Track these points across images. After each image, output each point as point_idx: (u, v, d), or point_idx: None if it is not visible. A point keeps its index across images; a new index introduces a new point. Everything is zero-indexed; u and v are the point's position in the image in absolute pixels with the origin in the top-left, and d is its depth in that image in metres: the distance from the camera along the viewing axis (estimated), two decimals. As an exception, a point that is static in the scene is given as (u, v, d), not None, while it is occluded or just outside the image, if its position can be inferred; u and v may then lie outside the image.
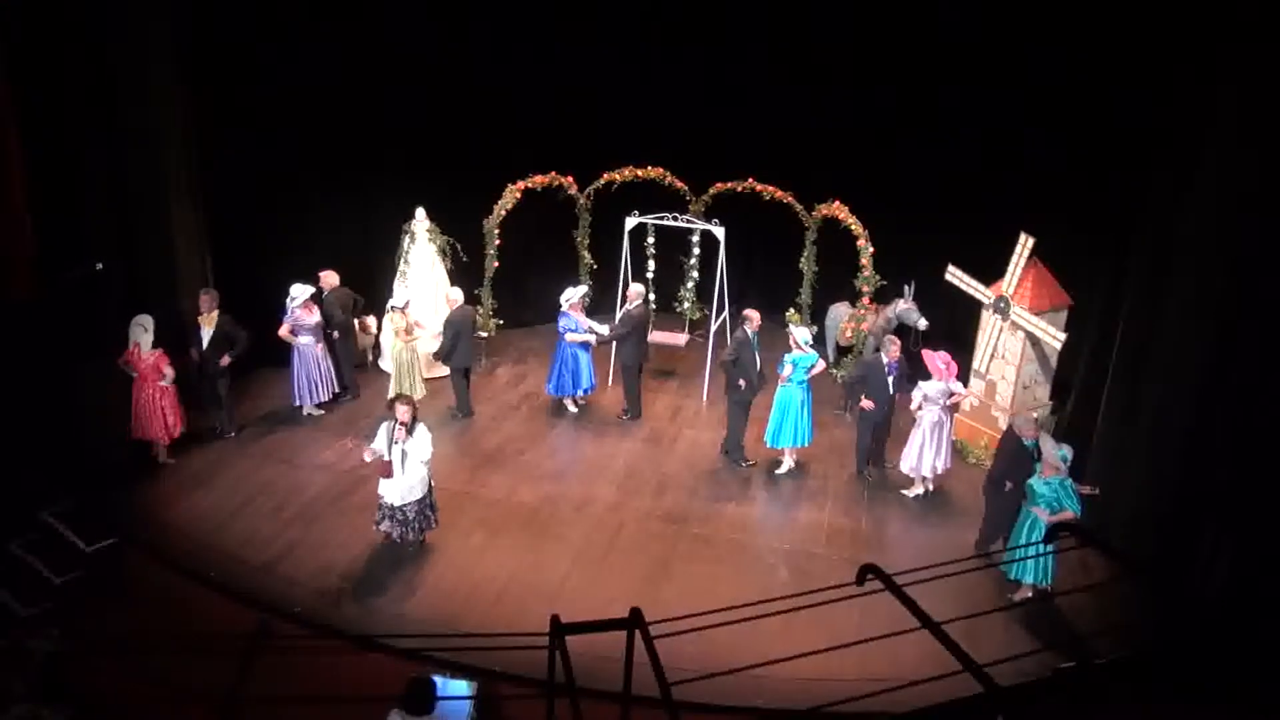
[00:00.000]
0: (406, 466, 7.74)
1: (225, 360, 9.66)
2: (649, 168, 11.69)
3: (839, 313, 11.52)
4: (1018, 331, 9.57)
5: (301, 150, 10.81)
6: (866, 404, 9.39)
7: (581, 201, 11.92)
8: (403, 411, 7.66)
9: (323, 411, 10.61)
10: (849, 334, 11.24)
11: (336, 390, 10.71)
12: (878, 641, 3.50)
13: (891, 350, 9.34)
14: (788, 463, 9.80)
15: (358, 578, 7.93)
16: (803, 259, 11.52)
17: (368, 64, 10.82)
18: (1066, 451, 7.61)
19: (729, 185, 11.65)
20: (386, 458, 7.68)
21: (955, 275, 10.14)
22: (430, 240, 11.15)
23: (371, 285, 11.39)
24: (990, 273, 9.86)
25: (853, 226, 10.68)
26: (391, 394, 9.67)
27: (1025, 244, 9.37)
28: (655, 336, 11.66)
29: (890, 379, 9.34)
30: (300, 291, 10.06)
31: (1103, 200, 9.35)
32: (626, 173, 11.64)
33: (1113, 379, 8.71)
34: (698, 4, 11.53)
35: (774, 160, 11.49)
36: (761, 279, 12.76)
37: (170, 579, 7.89)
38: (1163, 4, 8.03)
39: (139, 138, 9.61)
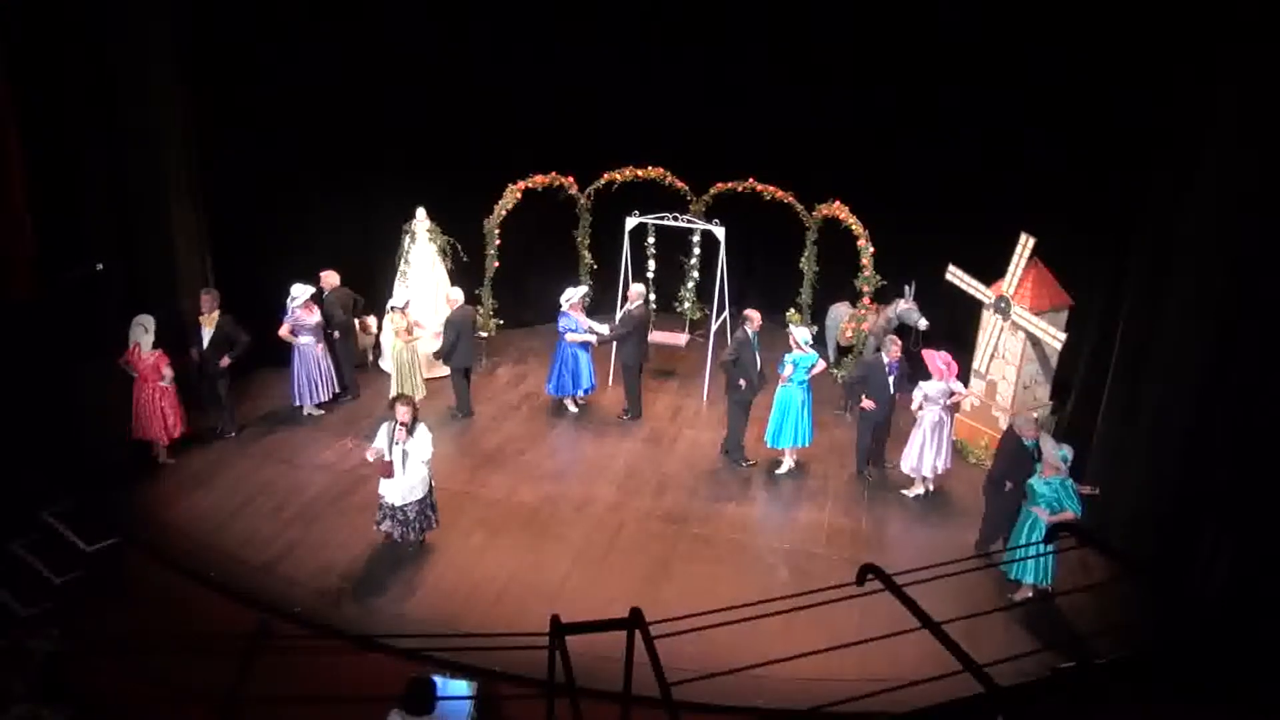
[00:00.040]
0: (407, 466, 7.74)
1: (225, 361, 9.66)
2: (649, 168, 11.69)
3: (839, 313, 11.52)
4: (1018, 331, 9.57)
5: (301, 150, 10.81)
6: (867, 404, 9.39)
7: (582, 201, 11.92)
8: (403, 412, 7.66)
9: (323, 411, 10.61)
10: (849, 334, 11.24)
11: (336, 390, 10.71)
12: (878, 641, 3.50)
13: (892, 350, 9.34)
14: (788, 463, 9.80)
15: (358, 578, 7.93)
16: (803, 259, 11.52)
17: (368, 64, 10.82)
18: (1067, 451, 7.61)
19: (729, 185, 11.65)
20: (387, 458, 7.68)
21: (955, 275, 10.14)
22: (430, 240, 11.15)
23: (371, 285, 11.39)
24: (990, 273, 9.86)
25: (853, 226, 10.68)
26: (392, 394, 9.67)
27: (1026, 244, 9.37)
28: (655, 336, 11.66)
29: (891, 379, 9.35)
30: (301, 291, 10.06)
31: (1103, 200, 9.34)
32: (627, 173, 11.64)
33: (1113, 379, 8.71)
34: (698, 4, 11.53)
35: (774, 160, 11.49)
36: (762, 279, 12.77)
37: (170, 579, 7.89)
38: (1163, 4, 8.03)
39: (139, 138, 9.61)
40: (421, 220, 11.12)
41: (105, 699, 6.25)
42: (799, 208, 11.29)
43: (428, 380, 10.94)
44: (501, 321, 12.05)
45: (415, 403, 8.14)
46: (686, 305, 12.64)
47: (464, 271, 11.42)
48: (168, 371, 9.16)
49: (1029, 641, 7.16)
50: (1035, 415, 8.71)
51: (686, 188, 12.02)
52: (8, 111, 8.46)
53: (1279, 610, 6.65)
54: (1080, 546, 7.50)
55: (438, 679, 5.79)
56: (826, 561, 8.36)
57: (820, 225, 11.26)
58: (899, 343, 9.48)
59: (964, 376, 9.69)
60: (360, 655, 6.53)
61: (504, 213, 11.39)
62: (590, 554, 8.37)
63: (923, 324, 10.58)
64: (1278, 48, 6.81)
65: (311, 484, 9.29)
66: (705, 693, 3.75)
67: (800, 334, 9.53)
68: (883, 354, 9.43)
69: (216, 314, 9.63)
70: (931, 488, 9.45)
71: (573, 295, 10.53)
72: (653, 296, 12.07)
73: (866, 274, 10.70)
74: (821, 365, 9.65)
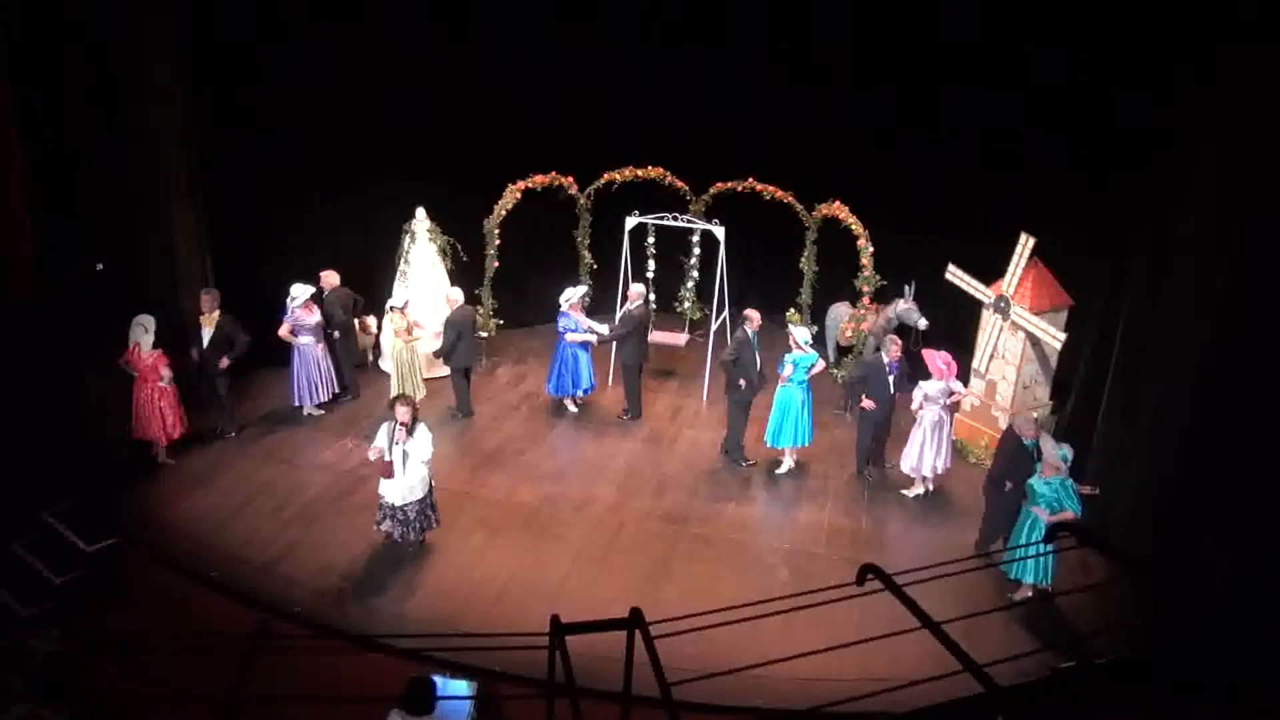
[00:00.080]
0: (407, 467, 7.74)
1: (224, 362, 9.66)
2: (649, 168, 11.69)
3: (839, 312, 11.53)
4: (1018, 331, 9.57)
5: (301, 150, 10.81)
6: (867, 404, 9.39)
7: (582, 201, 11.92)
8: (403, 412, 7.67)
9: (323, 412, 10.61)
10: (849, 334, 11.25)
11: (336, 390, 10.71)
12: (878, 641, 3.50)
13: (892, 350, 9.35)
14: (788, 463, 9.80)
15: (358, 578, 7.93)
16: (803, 259, 11.52)
17: (368, 64, 10.82)
18: (1067, 451, 7.61)
19: (729, 185, 11.65)
20: (387, 458, 7.69)
21: (955, 275, 10.14)
22: (430, 240, 11.15)
23: (371, 285, 11.39)
24: (990, 272, 9.86)
25: (853, 226, 10.69)
26: (392, 394, 9.67)
27: (1026, 244, 9.37)
28: (655, 336, 11.67)
29: (891, 379, 9.35)
30: (301, 291, 10.06)
31: (1103, 200, 9.34)
32: (626, 173, 11.64)
33: (1113, 379, 8.71)
34: (698, 4, 11.53)
35: (774, 160, 11.49)
36: (762, 279, 12.77)
37: (170, 579, 7.89)
38: (1163, 4, 8.03)
39: (139, 138, 9.61)
40: (421, 220, 11.12)
41: (105, 699, 6.25)
42: (799, 208, 11.29)
43: (427, 380, 10.94)
44: (501, 321, 12.06)
45: (415, 403, 8.14)
46: (686, 305, 12.64)
47: (464, 271, 11.42)
48: (166, 372, 9.15)
49: (1029, 641, 7.16)
50: (1035, 415, 8.71)
51: (686, 188, 12.03)
52: (8, 111, 8.46)
53: (1279, 610, 6.65)
54: (1080, 546, 7.50)
55: (438, 679, 5.79)
56: (826, 561, 8.36)
57: (820, 225, 11.26)
58: (899, 342, 9.48)
59: (964, 376, 9.69)
60: (360, 655, 6.53)
61: (504, 213, 11.39)
62: (590, 554, 8.37)
63: (922, 324, 10.58)
64: (1278, 48, 6.81)
65: (311, 484, 9.29)
66: (705, 693, 3.75)
67: (800, 334, 9.53)
68: (883, 354, 9.43)
69: (217, 314, 9.63)
70: (931, 487, 9.45)
71: (572, 295, 10.53)
72: (652, 296, 12.07)
73: (866, 274, 10.70)
74: (821, 365, 9.65)
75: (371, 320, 11.60)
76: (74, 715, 5.58)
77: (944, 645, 2.91)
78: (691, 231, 11.92)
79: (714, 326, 11.35)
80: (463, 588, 7.84)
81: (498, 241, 11.50)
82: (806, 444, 9.69)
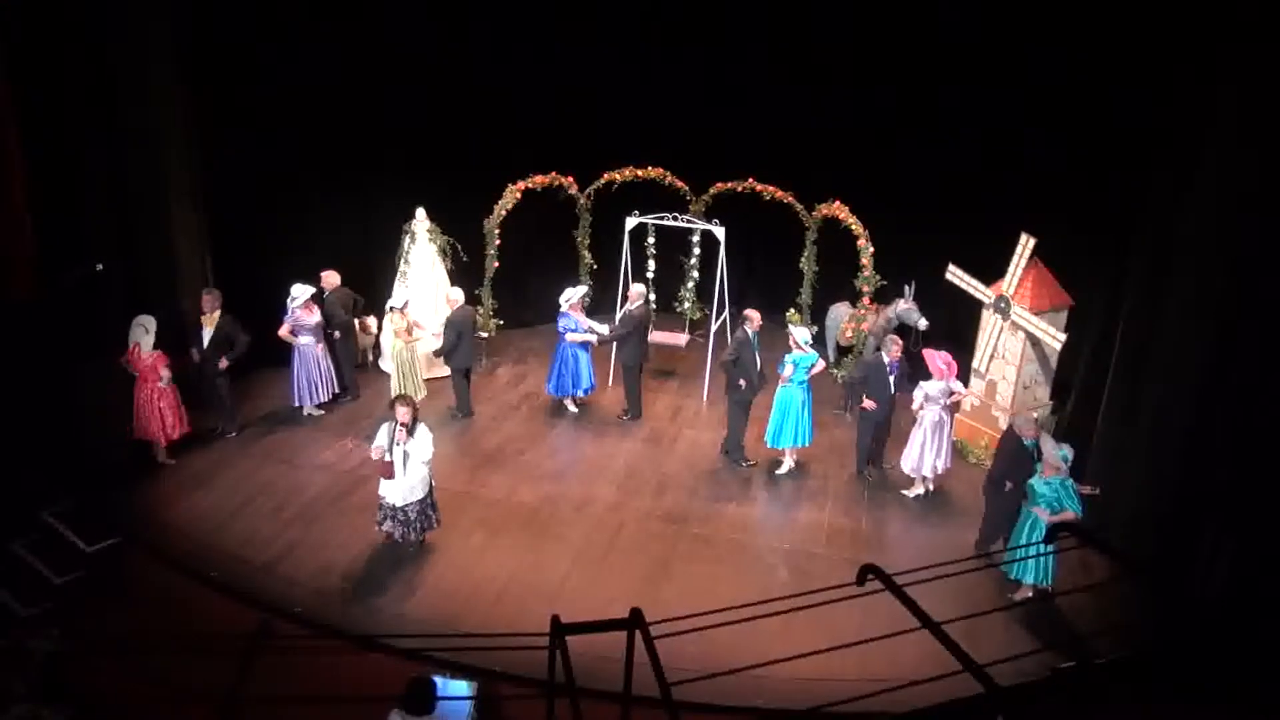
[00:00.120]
0: (408, 467, 7.74)
1: (223, 363, 9.65)
2: (649, 168, 11.69)
3: (839, 313, 11.53)
4: (1018, 331, 9.57)
5: (301, 150, 10.81)
6: (868, 404, 9.39)
7: (582, 201, 11.92)
8: (403, 413, 7.67)
9: (323, 412, 10.61)
10: (849, 334, 11.25)
11: (336, 391, 10.71)
12: (878, 642, 3.50)
13: (893, 350, 9.35)
14: (788, 463, 9.80)
15: (358, 578, 7.93)
16: (803, 259, 11.52)
17: (368, 64, 10.82)
18: (1067, 451, 7.61)
19: (729, 185, 11.65)
20: (388, 458, 7.69)
21: (956, 275, 10.14)
22: (431, 240, 11.15)
23: (371, 285, 11.39)
24: (990, 273, 9.86)
25: (853, 226, 10.69)
26: (392, 395, 9.67)
27: (1026, 244, 9.37)
28: (655, 336, 11.66)
29: (891, 379, 9.35)
30: (301, 292, 10.06)
31: (1103, 200, 9.34)
32: (627, 173, 11.64)
33: (1113, 379, 8.71)
34: (698, 4, 11.53)
35: (774, 160, 11.49)
36: (762, 279, 12.77)
37: (171, 579, 7.89)
38: (1163, 4, 8.03)
39: (139, 138, 9.61)
40: (421, 220, 11.12)
41: (105, 699, 6.25)
42: (799, 208, 11.29)
43: (428, 380, 10.95)
44: (501, 322, 12.06)
45: (415, 403, 8.14)
46: (686, 305, 12.64)
47: (464, 271, 11.42)
48: (165, 372, 9.15)
49: (1029, 641, 7.16)
50: (1035, 415, 8.71)
51: (686, 188, 12.03)
52: (8, 111, 8.46)
53: (1279, 610, 6.65)
54: (1081, 546, 7.51)
55: (438, 679, 5.79)
56: (827, 561, 8.36)
57: (820, 225, 11.26)
58: (900, 342, 9.48)
59: (964, 376, 9.69)
60: (360, 655, 6.53)
61: (504, 213, 11.39)
62: (590, 554, 8.37)
63: (923, 324, 10.59)
64: (1278, 48, 6.81)
65: (312, 484, 9.29)
66: (705, 693, 3.75)
67: (800, 334, 9.53)
68: (883, 354, 9.43)
69: (218, 314, 9.62)
70: (931, 488, 9.45)
71: (572, 295, 10.53)
72: (653, 296, 12.07)
73: (866, 274, 10.70)
74: (821, 365, 9.65)
75: (372, 320, 11.60)
76: (74, 715, 5.58)
77: (944, 645, 2.91)
78: (691, 231, 11.92)
79: (714, 327, 11.35)
80: (463, 588, 7.84)
81: (498, 241, 11.51)
82: (807, 444, 9.69)
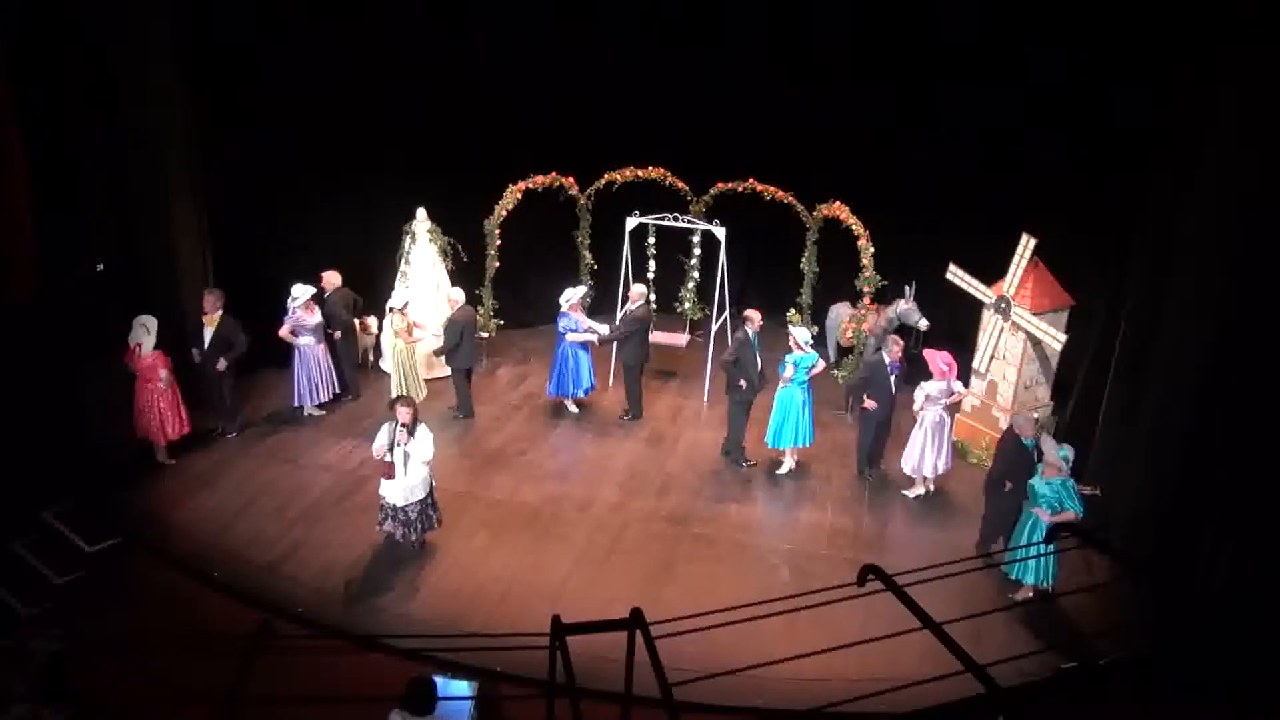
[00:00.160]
0: (409, 467, 7.74)
1: (221, 364, 9.65)
2: (649, 168, 11.68)
3: (840, 313, 11.52)
4: (1018, 332, 9.57)
5: (301, 150, 10.81)
6: (869, 404, 9.38)
7: (582, 202, 11.92)
8: (404, 413, 7.67)
9: (324, 412, 10.61)
10: (850, 334, 11.25)
11: (337, 391, 10.71)
12: (879, 642, 3.50)
13: (894, 350, 9.35)
14: (789, 463, 9.80)
15: (361, 578, 7.93)
16: (803, 259, 11.51)
17: (368, 64, 10.82)
18: (1068, 451, 7.62)
19: (729, 185, 11.65)
20: (389, 459, 7.69)
21: (956, 275, 10.14)
22: (431, 241, 11.14)
23: (372, 286, 11.39)
24: (990, 273, 9.86)
25: (853, 227, 10.69)
26: (393, 395, 9.67)
27: (1027, 244, 9.37)
28: (656, 337, 11.66)
29: (892, 379, 9.35)
30: (301, 292, 10.06)
31: (1103, 200, 9.35)
32: (627, 173, 11.64)
33: (1113, 379, 8.71)
34: (698, 4, 11.53)
35: (774, 160, 11.48)
36: (762, 279, 12.77)
37: (173, 579, 7.90)
38: (1163, 4, 8.03)
39: (139, 138, 9.61)
40: (422, 220, 11.12)
41: (105, 699, 6.26)
42: (799, 208, 11.29)
43: (428, 381, 10.95)
44: (502, 322, 12.06)
45: (416, 404, 8.14)
46: (687, 305, 12.63)
47: (464, 272, 11.42)
48: (164, 373, 9.15)
49: (1030, 642, 7.17)
50: (1035, 415, 8.71)
51: (687, 188, 12.02)
52: (8, 111, 8.46)
53: (1279, 610, 6.65)
54: (1081, 547, 7.51)
55: (438, 679, 5.79)
56: (828, 562, 8.36)
57: (820, 225, 11.26)
58: (900, 343, 9.48)
59: (964, 376, 9.69)
60: (361, 655, 6.53)
61: (504, 213, 11.39)
62: (592, 554, 8.37)
63: (923, 324, 10.59)
64: (1278, 48, 6.81)
65: (315, 484, 9.29)
66: (706, 693, 3.75)
67: (800, 334, 9.53)
68: (884, 354, 9.43)
69: (219, 314, 9.62)
70: (932, 488, 9.45)
71: (572, 295, 10.53)
72: (653, 297, 12.06)
73: (867, 274, 10.70)
74: (821, 365, 9.65)
75: (372, 320, 11.61)
76: (74, 715, 5.58)
77: (945, 646, 2.92)
78: (692, 232, 11.91)
79: (714, 327, 11.34)
80: (466, 588, 7.84)
81: (498, 242, 11.51)
82: (807, 444, 9.68)
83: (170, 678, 6.27)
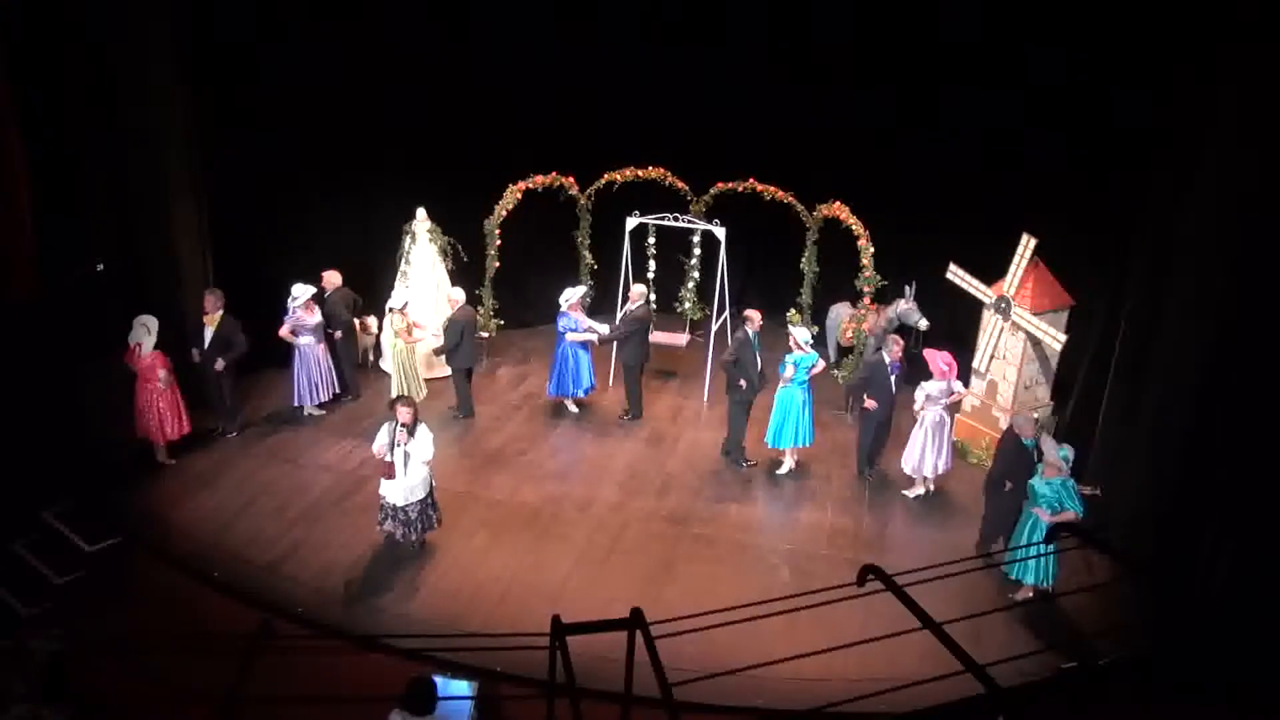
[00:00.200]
0: (409, 467, 7.75)
1: (219, 365, 9.65)
2: (649, 168, 11.68)
3: (840, 313, 11.53)
4: (1018, 332, 9.57)
5: (301, 150, 10.81)
6: (870, 404, 9.38)
7: (582, 202, 11.92)
8: (404, 413, 7.67)
9: (324, 412, 10.61)
10: (850, 334, 11.25)
11: (337, 390, 10.71)
12: (879, 642, 3.50)
13: (894, 350, 9.35)
14: (789, 463, 9.80)
15: (361, 578, 7.93)
16: (803, 259, 11.52)
17: (368, 64, 10.82)
18: (1068, 451, 7.62)
19: (729, 185, 11.65)
20: (389, 459, 7.69)
21: (956, 274, 10.14)
22: (431, 240, 11.15)
23: (372, 285, 11.39)
24: (990, 272, 9.86)
25: (853, 227, 10.69)
26: (393, 395, 9.67)
27: (1027, 244, 9.37)
28: (656, 337, 11.66)
29: (893, 379, 9.35)
30: (302, 292, 10.06)
31: (1103, 200, 9.35)
32: (627, 173, 11.64)
33: (1113, 379, 8.71)
34: (698, 4, 11.53)
35: (774, 160, 11.49)
36: (762, 279, 12.77)
37: (173, 579, 7.90)
38: (1163, 4, 8.03)
39: (139, 138, 9.61)
40: (422, 220, 11.12)
41: (105, 699, 6.26)
42: (799, 208, 11.29)
43: (428, 381, 10.95)
44: (502, 322, 12.06)
45: (416, 404, 8.14)
46: (687, 305, 12.63)
47: (464, 272, 11.42)
48: (163, 373, 9.15)
49: (1030, 642, 7.17)
50: (1035, 415, 8.71)
51: (687, 188, 12.02)
52: (8, 111, 8.45)
53: (1279, 610, 6.65)
54: (1081, 547, 7.51)
55: (438, 679, 5.79)
56: (828, 562, 8.36)
57: (820, 225, 11.26)
58: (901, 342, 9.48)
59: (964, 376, 9.69)
60: (361, 655, 6.53)
61: (504, 213, 11.40)
62: (592, 554, 8.37)
63: (923, 324, 10.59)
64: (1278, 48, 6.81)
65: (315, 484, 9.29)
66: (706, 693, 3.75)
67: (800, 334, 9.53)
68: (884, 354, 9.43)
69: (220, 314, 9.62)
70: (932, 488, 9.45)
71: (571, 295, 10.52)
72: (653, 297, 12.06)
73: (867, 274, 10.70)
74: (821, 365, 9.65)
75: (372, 320, 11.61)
76: (74, 715, 5.58)
77: (945, 646, 2.91)
78: (692, 232, 11.91)
79: (714, 327, 11.35)
80: (466, 588, 7.84)
81: (498, 242, 11.51)
82: (807, 444, 9.68)
83: (170, 678, 6.27)
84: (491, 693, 6.46)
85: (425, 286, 11.13)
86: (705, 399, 11.37)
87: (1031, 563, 7.62)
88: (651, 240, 12.11)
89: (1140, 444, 8.16)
